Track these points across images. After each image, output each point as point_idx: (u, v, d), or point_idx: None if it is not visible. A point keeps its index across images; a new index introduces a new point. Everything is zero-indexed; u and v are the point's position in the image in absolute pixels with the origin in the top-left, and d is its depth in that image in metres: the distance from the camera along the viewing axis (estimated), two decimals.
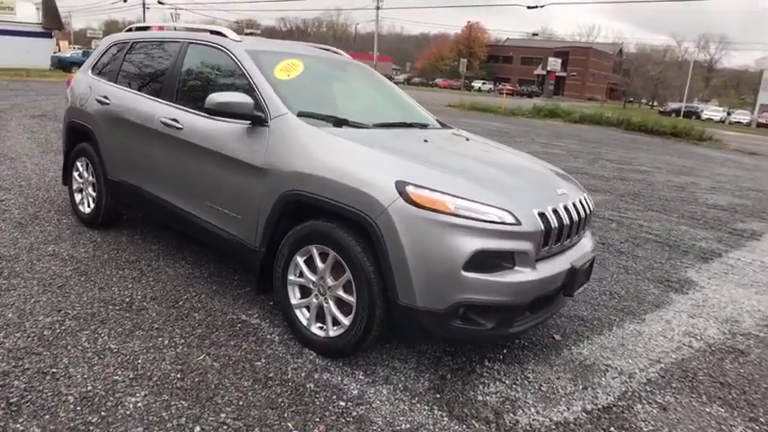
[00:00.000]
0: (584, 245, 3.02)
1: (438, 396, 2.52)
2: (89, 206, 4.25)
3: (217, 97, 2.85)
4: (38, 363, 2.47)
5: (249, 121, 2.94)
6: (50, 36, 31.93)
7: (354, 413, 2.33)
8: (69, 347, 2.62)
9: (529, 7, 26.85)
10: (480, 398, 2.54)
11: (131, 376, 2.44)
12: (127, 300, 3.17)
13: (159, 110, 3.48)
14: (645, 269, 4.73)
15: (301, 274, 2.78)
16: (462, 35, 79.60)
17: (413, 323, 2.44)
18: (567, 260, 2.69)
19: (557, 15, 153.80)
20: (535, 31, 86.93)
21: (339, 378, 2.58)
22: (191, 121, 3.25)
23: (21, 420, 2.09)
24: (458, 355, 2.91)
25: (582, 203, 2.92)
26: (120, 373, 2.46)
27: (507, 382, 2.71)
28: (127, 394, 2.31)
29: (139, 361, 2.57)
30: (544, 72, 65.27)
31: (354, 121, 3.10)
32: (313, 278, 2.73)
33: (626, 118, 22.33)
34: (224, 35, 3.43)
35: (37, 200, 4.95)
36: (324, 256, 2.67)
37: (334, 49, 4.31)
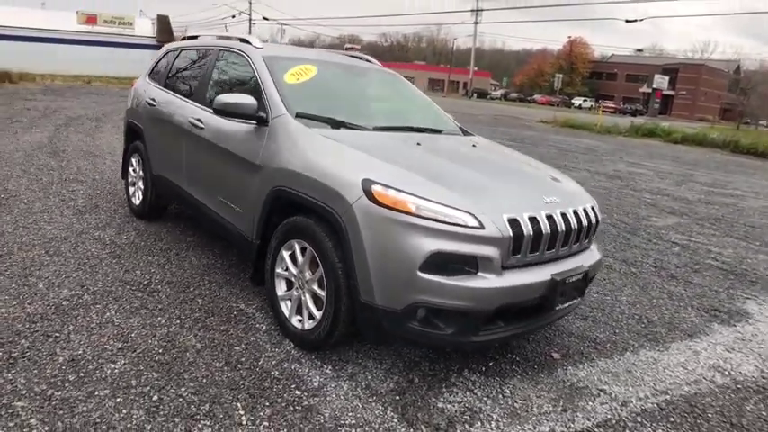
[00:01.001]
0: (585, 257, 2.85)
1: (398, 398, 2.50)
2: (139, 198, 4.68)
3: (223, 98, 3.06)
4: (47, 327, 2.78)
5: (255, 122, 3.13)
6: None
7: (305, 403, 2.38)
8: (79, 318, 2.92)
9: (627, 21, 25.56)
10: (440, 405, 2.48)
11: (119, 347, 2.68)
12: (145, 282, 3.47)
13: (189, 111, 3.80)
14: (694, 296, 4.33)
15: (287, 268, 2.89)
16: (564, 51, 76.96)
17: (372, 321, 2.45)
18: (547, 271, 2.56)
19: (667, 30, 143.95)
20: (641, 47, 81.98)
21: (306, 370, 2.65)
22: (211, 122, 3.51)
23: (13, 371, 2.38)
24: (438, 361, 2.86)
25: (580, 214, 2.76)
26: (111, 343, 2.71)
27: (479, 393, 2.62)
28: (109, 361, 2.54)
29: (132, 335, 2.81)
30: (650, 90, 61.16)
31: (353, 123, 3.18)
32: (295, 272, 2.83)
33: (733, 139, 20.32)
34: (249, 42, 3.67)
35: (102, 192, 5.53)
36: (303, 251, 2.76)
37: (367, 57, 4.45)
